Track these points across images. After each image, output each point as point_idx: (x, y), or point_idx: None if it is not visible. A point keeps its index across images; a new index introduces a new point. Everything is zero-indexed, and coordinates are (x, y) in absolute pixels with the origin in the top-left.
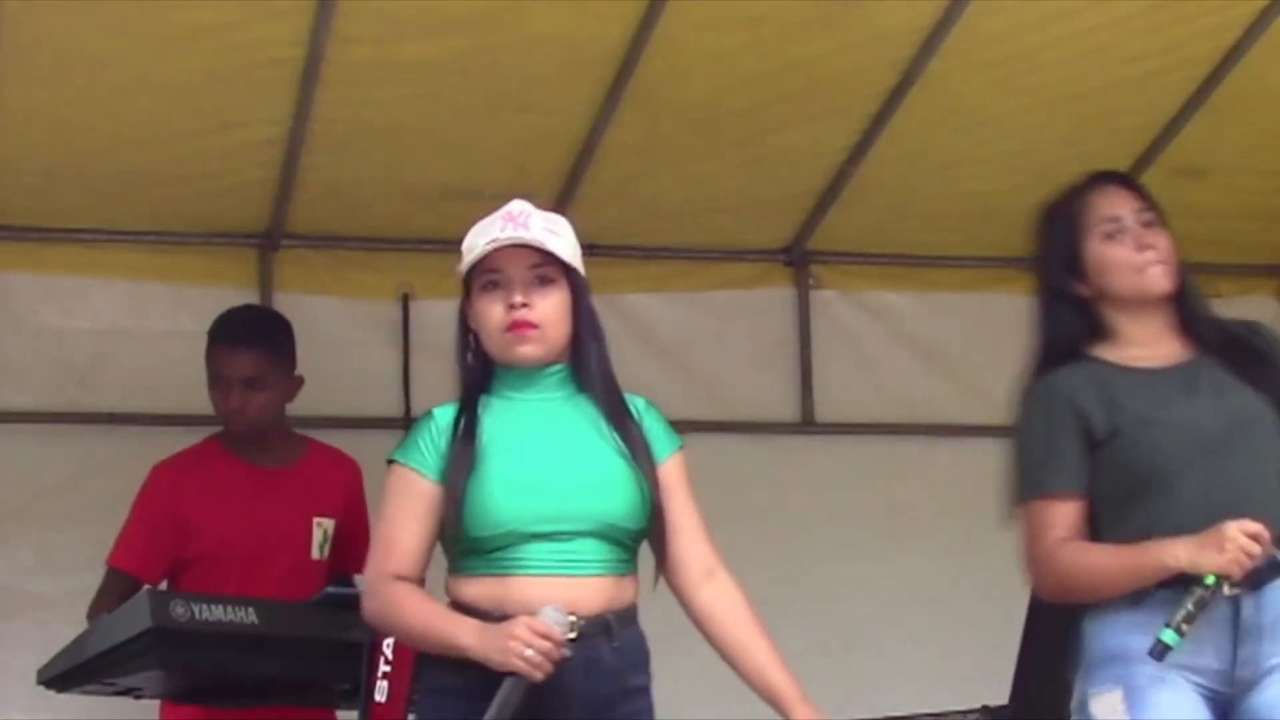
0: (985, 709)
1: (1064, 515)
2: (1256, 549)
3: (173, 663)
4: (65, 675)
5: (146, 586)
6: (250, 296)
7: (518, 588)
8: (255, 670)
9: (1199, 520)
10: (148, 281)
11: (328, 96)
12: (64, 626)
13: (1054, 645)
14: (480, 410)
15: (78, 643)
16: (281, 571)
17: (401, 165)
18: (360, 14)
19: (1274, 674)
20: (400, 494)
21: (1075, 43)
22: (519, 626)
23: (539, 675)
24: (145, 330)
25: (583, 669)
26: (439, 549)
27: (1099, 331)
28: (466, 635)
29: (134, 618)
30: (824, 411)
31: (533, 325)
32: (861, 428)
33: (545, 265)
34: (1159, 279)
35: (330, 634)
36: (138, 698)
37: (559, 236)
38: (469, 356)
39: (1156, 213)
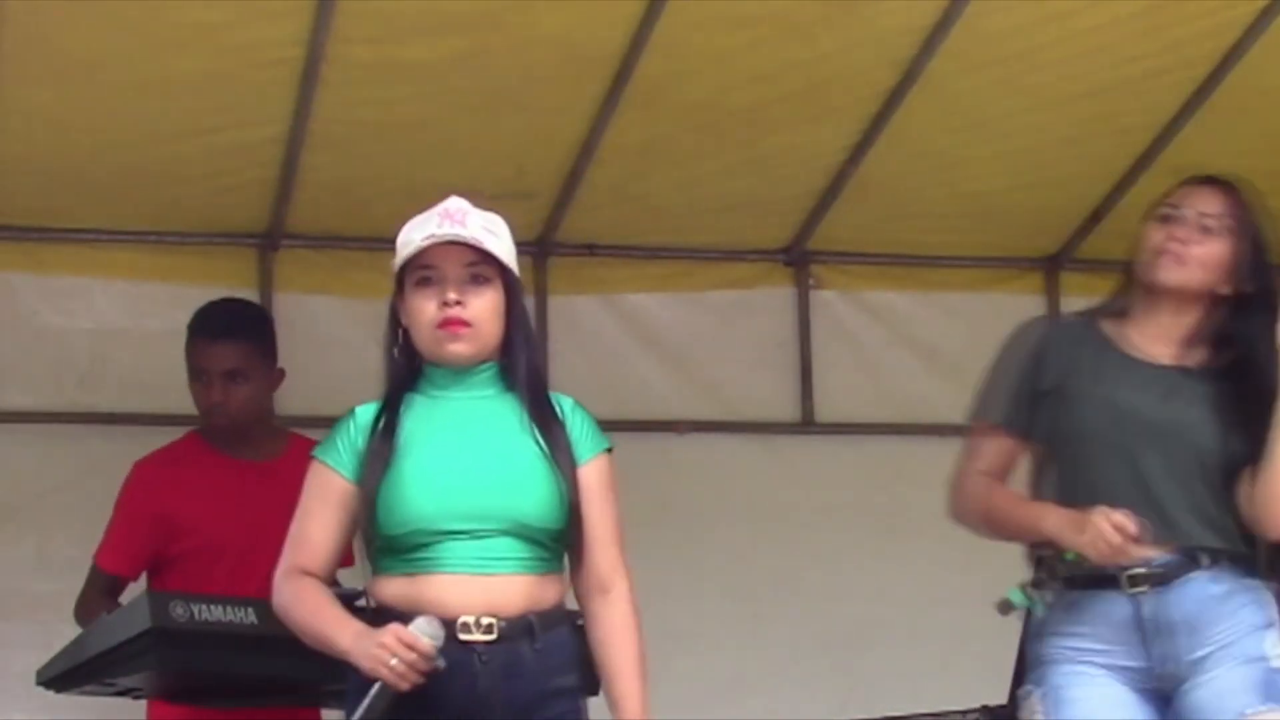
0: (985, 709)
1: (993, 448)
2: (1116, 539)
3: (172, 663)
4: (65, 675)
5: (146, 589)
6: (250, 296)
7: (434, 587)
8: (255, 670)
9: (1099, 501)
10: (148, 281)
11: (328, 96)
12: (64, 626)
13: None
14: (403, 408)
15: (77, 643)
16: (269, 566)
17: (401, 165)
18: (360, 14)
19: (1199, 672)
20: (315, 491)
21: (1075, 43)
22: (387, 635)
23: (403, 685)
24: (145, 330)
25: (503, 671)
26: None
27: (1125, 309)
28: (346, 638)
29: (134, 618)
30: (824, 411)
31: (465, 324)
32: (861, 428)
33: (480, 264)
34: (1163, 269)
35: None
36: (137, 698)
37: (496, 236)
38: (395, 352)
39: (1228, 222)
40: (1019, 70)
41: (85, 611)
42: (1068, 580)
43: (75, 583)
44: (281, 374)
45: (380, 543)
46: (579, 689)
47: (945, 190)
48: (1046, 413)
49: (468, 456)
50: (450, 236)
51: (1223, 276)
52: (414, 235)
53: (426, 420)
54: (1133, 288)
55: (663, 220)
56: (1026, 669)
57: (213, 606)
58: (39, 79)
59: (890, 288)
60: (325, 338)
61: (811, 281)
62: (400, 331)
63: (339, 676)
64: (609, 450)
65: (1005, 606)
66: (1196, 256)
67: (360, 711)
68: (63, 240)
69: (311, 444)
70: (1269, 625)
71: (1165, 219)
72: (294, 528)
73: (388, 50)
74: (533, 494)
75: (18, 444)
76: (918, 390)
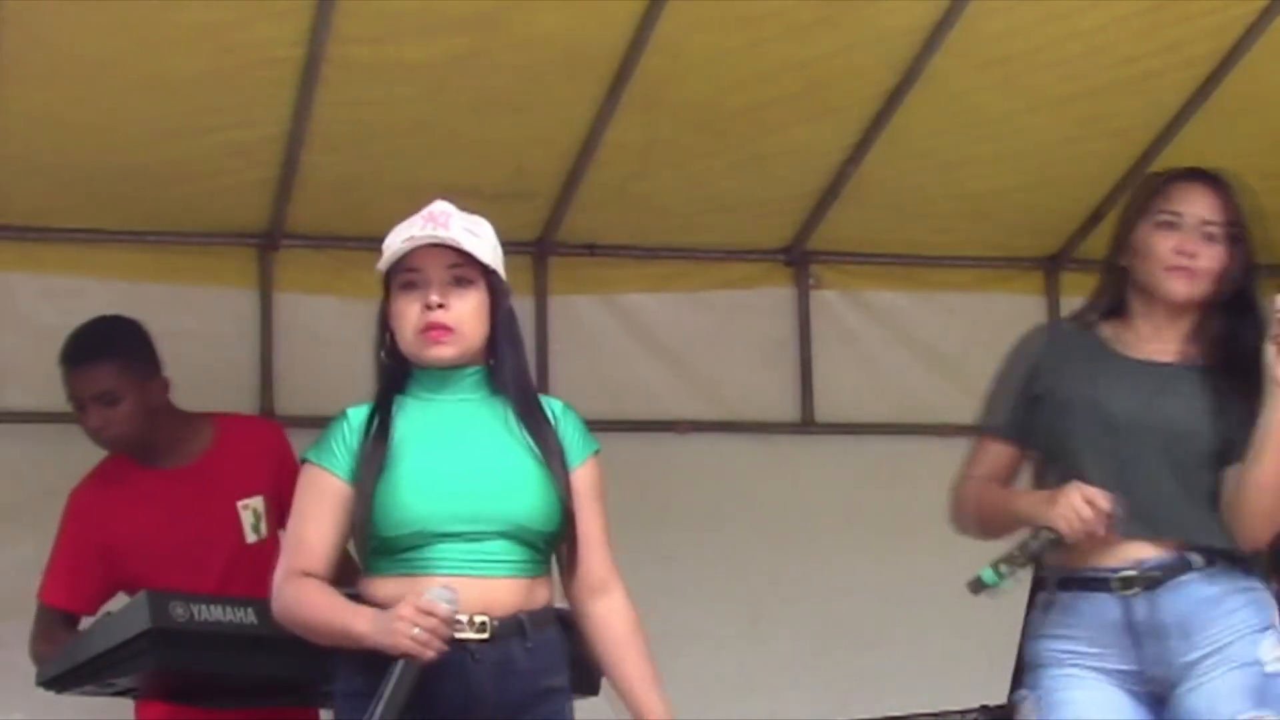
0: (985, 709)
1: (991, 456)
2: (1087, 512)
3: (172, 663)
4: (65, 675)
5: (145, 590)
6: (250, 296)
7: (428, 587)
8: (254, 670)
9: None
10: (148, 281)
11: (328, 96)
12: None
13: None
14: (395, 410)
15: (77, 643)
16: (220, 567)
17: (401, 165)
18: (360, 14)
19: (1192, 675)
20: (311, 493)
21: (1075, 43)
22: (405, 607)
23: (428, 654)
24: (143, 324)
25: (495, 671)
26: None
27: (1118, 310)
28: (361, 622)
29: (133, 618)
30: (824, 411)
31: (448, 328)
32: (861, 428)
33: (463, 266)
34: (1176, 285)
35: None
36: (137, 698)
37: (479, 238)
38: (383, 355)
39: (1228, 228)
40: (1019, 70)
41: (44, 644)
42: (1060, 582)
43: None
44: (166, 382)
45: (375, 544)
46: (568, 689)
47: (945, 190)
48: (1041, 418)
49: (462, 459)
50: (431, 239)
51: (1224, 282)
52: (398, 239)
53: (418, 423)
54: (1125, 287)
55: (663, 220)
56: (1022, 672)
57: (212, 606)
58: (39, 79)
59: (890, 288)
60: (325, 338)
61: (811, 281)
62: (388, 334)
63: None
64: (597, 452)
65: (976, 585)
66: (1204, 268)
67: (387, 690)
68: (62, 240)
69: (241, 421)
70: (1266, 628)
71: (1167, 225)
72: (290, 530)
73: (388, 50)
74: (528, 497)
75: (18, 444)
76: (918, 390)
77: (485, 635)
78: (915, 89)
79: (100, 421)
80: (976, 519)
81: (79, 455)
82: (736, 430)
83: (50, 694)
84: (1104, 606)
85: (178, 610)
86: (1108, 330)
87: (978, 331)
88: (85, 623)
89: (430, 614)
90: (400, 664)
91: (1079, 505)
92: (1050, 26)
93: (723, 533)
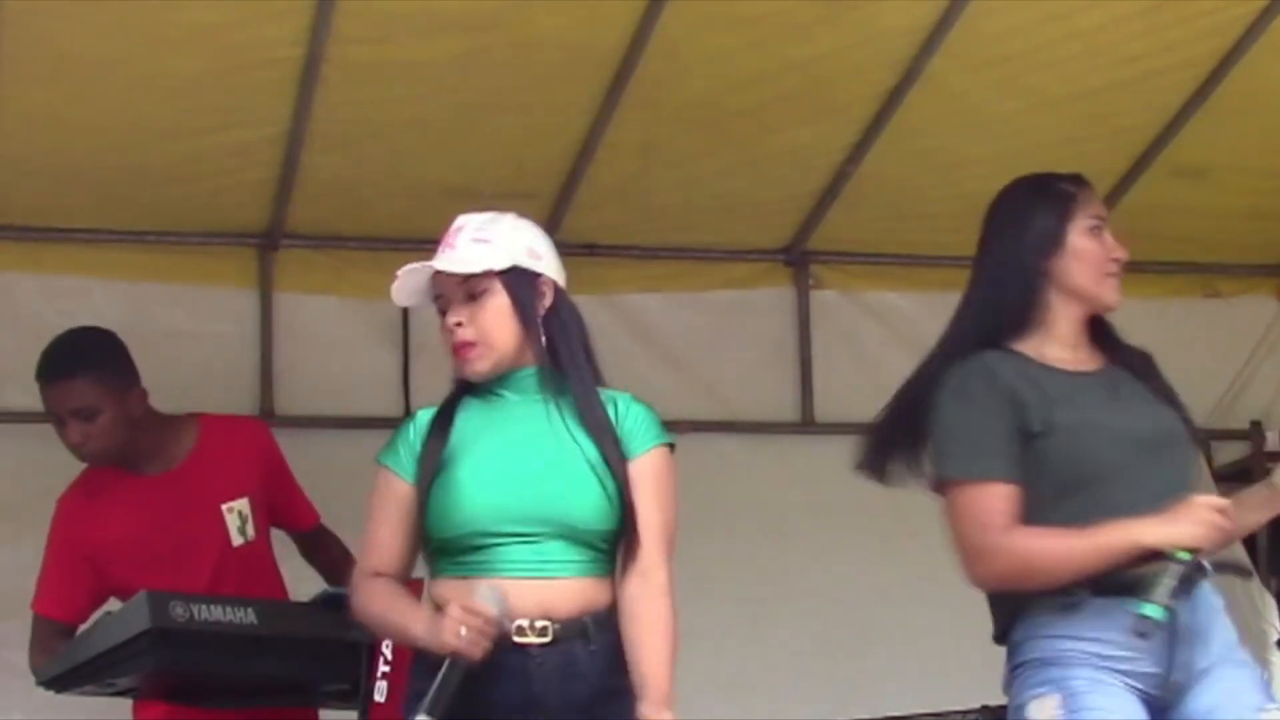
0: (985, 709)
1: (1008, 502)
2: (1226, 522)
3: (172, 663)
4: (65, 675)
5: (144, 591)
6: (250, 296)
7: (476, 587)
8: (254, 670)
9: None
10: (148, 281)
11: (328, 96)
12: None
13: None
14: (459, 411)
15: (77, 643)
16: (208, 571)
17: (401, 165)
18: (360, 14)
19: (1205, 679)
20: (381, 495)
21: (1075, 43)
22: (453, 608)
23: (476, 652)
24: (145, 330)
25: (558, 672)
26: None
27: (1033, 321)
28: (418, 625)
29: (133, 618)
30: (824, 411)
31: (471, 344)
32: (861, 428)
33: (472, 279)
34: (1113, 293)
35: (329, 634)
36: (136, 698)
37: (487, 243)
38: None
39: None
40: (1019, 70)
41: (41, 655)
42: (1095, 587)
43: None
44: (143, 393)
45: (434, 545)
46: (630, 688)
47: (945, 190)
48: (1041, 456)
49: (518, 460)
50: (425, 267)
51: None
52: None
53: (479, 424)
54: (1054, 297)
55: (663, 220)
56: (1027, 669)
57: (212, 607)
58: (39, 79)
59: (890, 288)
60: (325, 338)
61: (811, 281)
62: None
63: (339, 676)
64: (668, 445)
65: (1147, 624)
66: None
67: (434, 687)
68: (62, 240)
69: (223, 422)
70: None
71: (1096, 231)
72: (365, 533)
73: (388, 50)
74: (581, 497)
75: (18, 444)
76: None
77: (547, 639)
78: (915, 89)
79: (80, 436)
80: (1042, 570)
81: None
82: (736, 430)
83: (50, 694)
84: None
85: (177, 610)
86: (1030, 349)
87: None
88: (83, 629)
89: (477, 614)
90: (448, 662)
91: (1214, 517)
92: (1050, 26)
93: (723, 533)
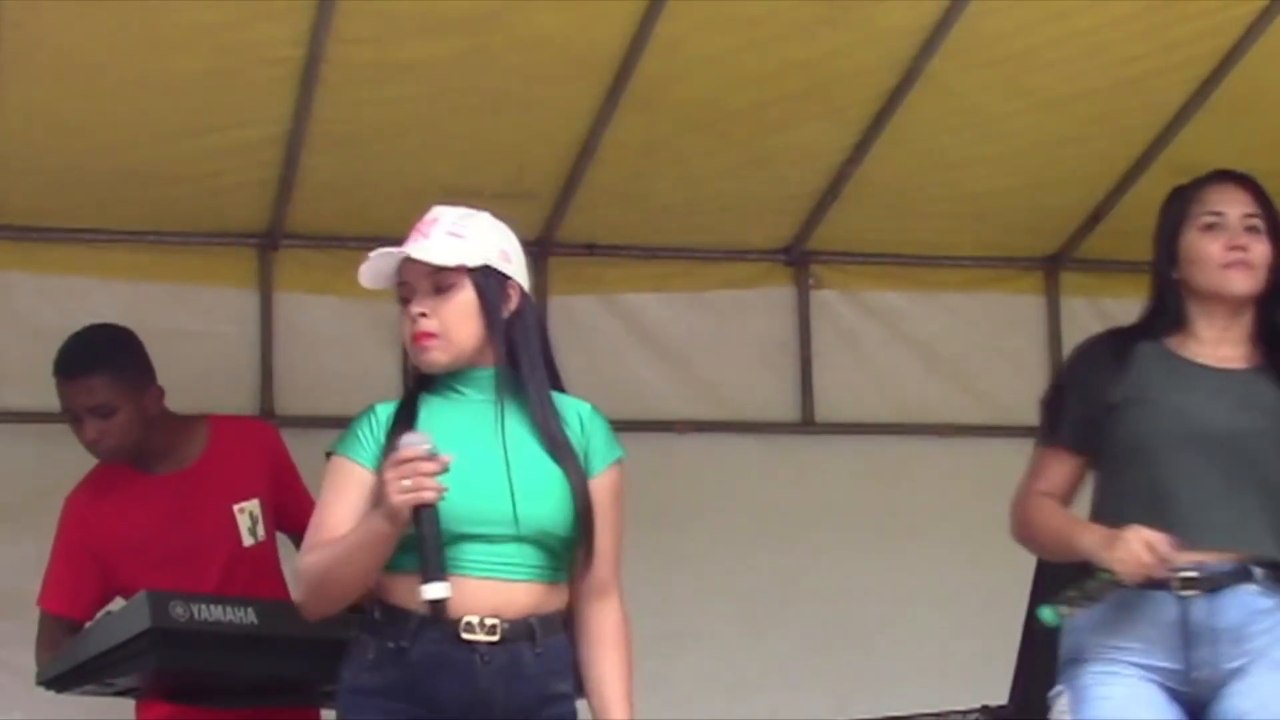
0: (985, 709)
1: (1054, 467)
2: (1148, 558)
3: (172, 663)
4: (65, 675)
5: (144, 591)
6: (250, 296)
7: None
8: (254, 670)
9: (1163, 509)
10: (148, 281)
11: (328, 96)
12: None
13: (1053, 645)
14: (421, 407)
15: (77, 643)
16: (218, 571)
17: (401, 165)
18: (360, 14)
19: (1238, 679)
20: (334, 480)
21: (1075, 43)
22: (385, 470)
23: (429, 495)
24: (145, 330)
25: (505, 673)
26: None
27: (1178, 322)
28: (372, 519)
29: (134, 618)
30: (824, 411)
31: (432, 334)
32: (861, 428)
33: (441, 272)
34: (1238, 281)
35: (330, 634)
36: (137, 698)
37: (462, 239)
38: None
39: (1267, 219)
40: (1019, 70)
41: (48, 652)
42: (1116, 580)
43: None
44: (160, 392)
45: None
46: (574, 694)
47: (945, 190)
48: (1117, 426)
49: (486, 461)
50: (398, 252)
51: (1271, 276)
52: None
53: (443, 421)
54: (1181, 300)
55: (663, 220)
56: (1058, 667)
57: (212, 606)
58: (39, 79)
59: (890, 288)
60: (325, 338)
61: (811, 281)
62: None
63: (338, 677)
64: (620, 460)
65: (1036, 624)
66: (1258, 260)
67: (422, 555)
68: (62, 240)
69: (234, 423)
70: None
71: (1212, 227)
72: (312, 520)
73: (388, 50)
74: (549, 502)
75: (18, 444)
76: (918, 390)
77: (495, 638)
78: (915, 89)
79: (96, 434)
80: (1035, 539)
81: (79, 455)
82: (736, 430)
83: (50, 694)
84: (1162, 606)
85: (178, 610)
86: (1172, 342)
87: (977, 331)
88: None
89: (405, 460)
90: (415, 519)
91: (1140, 551)
92: (1050, 26)
93: (723, 533)
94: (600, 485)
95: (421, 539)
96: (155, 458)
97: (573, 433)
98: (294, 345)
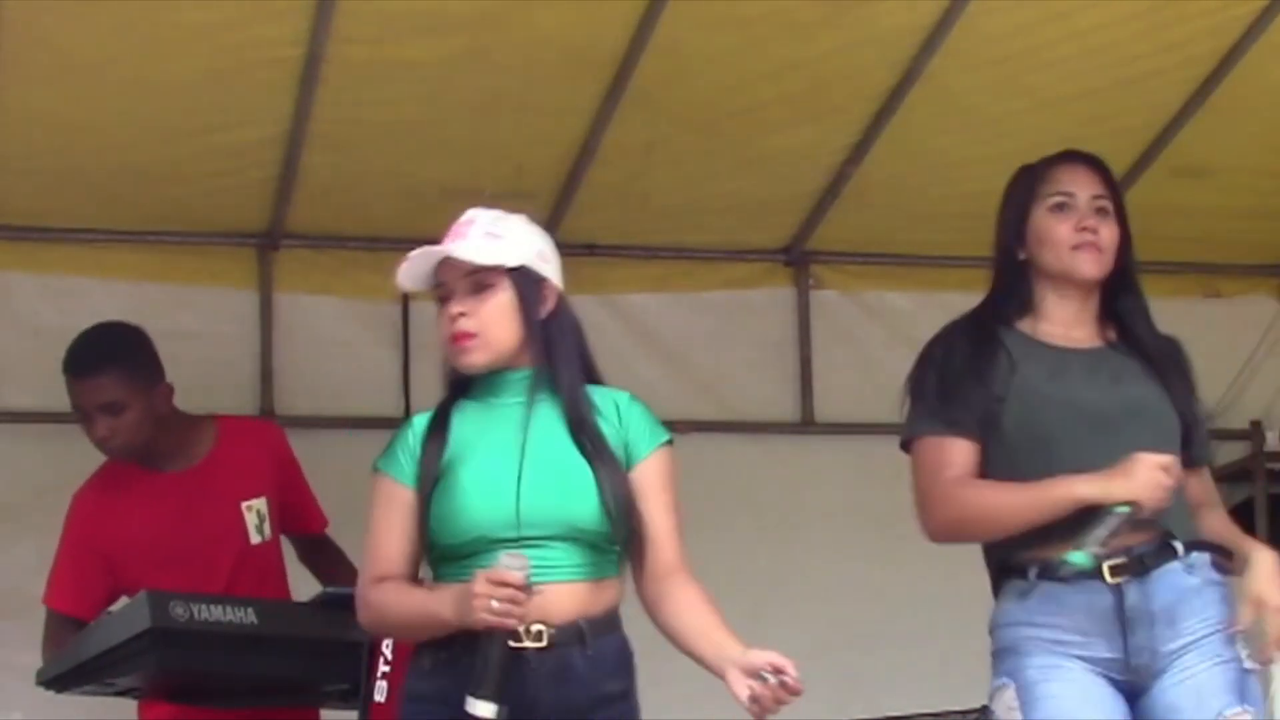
0: (985, 709)
1: (960, 457)
2: (1167, 480)
3: (172, 663)
4: (65, 675)
5: (144, 591)
6: (250, 296)
7: (499, 558)
8: (254, 670)
9: None
10: (148, 281)
11: (328, 96)
12: None
13: None
14: (455, 415)
15: (77, 643)
16: (226, 569)
17: (401, 165)
18: (360, 14)
19: (1177, 663)
20: (382, 503)
21: (1075, 43)
22: (478, 583)
23: (511, 623)
24: (145, 330)
25: (553, 676)
26: None
27: (1027, 304)
28: (446, 608)
29: (133, 618)
30: (824, 411)
31: (471, 334)
32: (861, 428)
33: (480, 272)
34: (1087, 264)
35: (330, 634)
36: (138, 698)
37: (499, 239)
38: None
39: (1114, 201)
40: (1019, 70)
41: (53, 649)
42: (1042, 571)
43: None
44: (169, 389)
45: (437, 551)
46: (631, 692)
47: (945, 190)
48: (1004, 418)
49: (518, 463)
50: (439, 251)
51: (1116, 257)
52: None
53: (475, 427)
54: (1029, 281)
55: (663, 220)
56: (994, 654)
57: (212, 606)
58: (39, 79)
59: (890, 288)
60: (325, 338)
61: (811, 281)
62: None
63: (339, 676)
64: (668, 442)
65: (1067, 569)
66: (1106, 243)
67: (481, 669)
68: (62, 240)
69: (240, 423)
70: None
71: (1061, 207)
72: (366, 544)
73: (388, 50)
74: (583, 499)
75: (18, 444)
76: None
77: (542, 644)
78: (915, 89)
79: (106, 431)
80: (979, 522)
81: (79, 455)
82: (736, 430)
83: (50, 694)
84: (1096, 594)
85: (178, 610)
86: (1025, 325)
87: None
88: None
89: (503, 583)
90: (484, 639)
91: (1157, 474)
92: (1050, 26)
93: (722, 533)
94: (647, 469)
95: (486, 658)
96: (164, 456)
97: (609, 424)
98: (294, 345)
